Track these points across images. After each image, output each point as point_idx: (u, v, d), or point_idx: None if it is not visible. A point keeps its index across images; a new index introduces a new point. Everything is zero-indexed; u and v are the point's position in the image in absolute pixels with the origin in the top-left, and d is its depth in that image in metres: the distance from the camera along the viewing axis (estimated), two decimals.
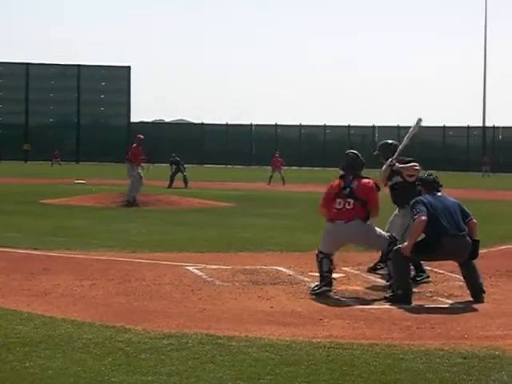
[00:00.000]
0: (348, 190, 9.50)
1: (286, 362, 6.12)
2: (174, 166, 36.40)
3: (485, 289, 9.00)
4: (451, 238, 8.77)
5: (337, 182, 9.72)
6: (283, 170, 41.73)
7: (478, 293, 8.90)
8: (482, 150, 72.50)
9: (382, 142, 11.05)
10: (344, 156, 9.96)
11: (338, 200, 9.48)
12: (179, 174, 35.62)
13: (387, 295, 8.93)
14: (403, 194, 10.17)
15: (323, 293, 9.13)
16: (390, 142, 11.01)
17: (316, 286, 9.30)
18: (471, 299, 8.88)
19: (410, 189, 10.07)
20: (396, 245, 9.26)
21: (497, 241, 14.30)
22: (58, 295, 8.88)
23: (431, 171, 10.09)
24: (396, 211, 10.53)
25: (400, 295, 8.74)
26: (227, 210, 22.44)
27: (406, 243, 8.87)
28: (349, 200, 9.44)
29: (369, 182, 9.58)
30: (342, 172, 9.78)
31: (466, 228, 8.93)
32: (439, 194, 9.21)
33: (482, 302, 8.80)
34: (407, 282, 8.85)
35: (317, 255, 9.48)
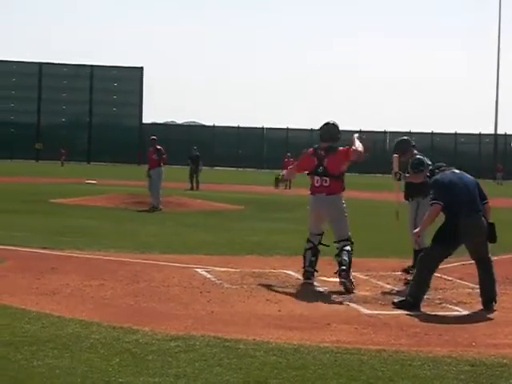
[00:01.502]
0: (321, 169, 9.94)
1: (293, 366, 6.11)
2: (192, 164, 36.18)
3: (497, 298, 8.94)
4: (467, 216, 8.71)
5: (311, 153, 10.15)
6: None
7: (489, 301, 8.82)
8: (493, 158, 72.31)
9: (396, 143, 11.23)
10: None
11: (316, 178, 10.00)
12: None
13: (395, 301, 8.91)
14: (412, 188, 10.71)
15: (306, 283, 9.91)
16: (404, 138, 11.42)
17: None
18: (480, 307, 8.83)
19: (416, 185, 10.57)
20: (352, 245, 9.86)
21: (507, 248, 14.23)
22: (67, 295, 8.89)
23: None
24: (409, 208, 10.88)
25: (409, 302, 8.69)
26: (237, 213, 22.45)
27: (417, 229, 9.01)
28: (325, 178, 9.92)
29: (340, 152, 9.96)
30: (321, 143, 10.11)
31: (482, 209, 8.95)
32: (457, 171, 9.17)
33: (492, 310, 8.74)
34: (422, 292, 8.77)
35: (306, 244, 10.21)
